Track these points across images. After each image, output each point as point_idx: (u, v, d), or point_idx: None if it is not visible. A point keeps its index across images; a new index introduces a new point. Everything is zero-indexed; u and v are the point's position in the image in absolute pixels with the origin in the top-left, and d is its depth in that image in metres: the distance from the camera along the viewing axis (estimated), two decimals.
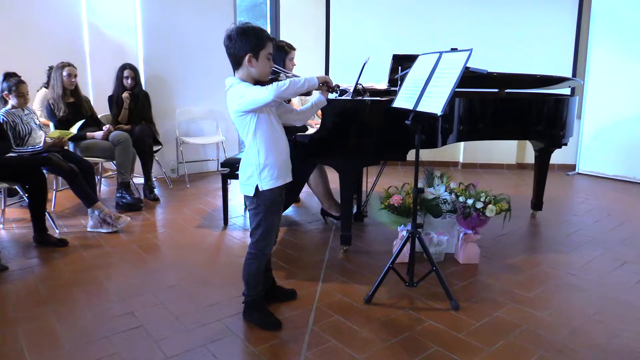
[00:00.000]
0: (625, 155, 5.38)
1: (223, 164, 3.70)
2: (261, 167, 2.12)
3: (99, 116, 4.49)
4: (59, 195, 4.30)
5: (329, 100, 2.39)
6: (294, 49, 3.59)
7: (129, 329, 2.23)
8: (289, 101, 2.58)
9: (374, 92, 3.35)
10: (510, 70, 3.60)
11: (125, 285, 2.71)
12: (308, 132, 3.17)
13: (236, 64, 2.09)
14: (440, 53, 2.44)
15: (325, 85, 2.25)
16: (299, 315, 2.36)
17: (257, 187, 2.13)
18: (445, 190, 3.02)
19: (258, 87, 2.04)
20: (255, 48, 2.04)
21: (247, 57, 2.04)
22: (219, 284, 2.70)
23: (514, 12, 5.70)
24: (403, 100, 2.54)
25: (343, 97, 2.80)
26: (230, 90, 2.09)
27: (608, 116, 5.51)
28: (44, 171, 3.45)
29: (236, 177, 3.45)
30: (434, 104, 2.24)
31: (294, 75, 2.21)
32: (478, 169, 6.09)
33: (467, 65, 2.24)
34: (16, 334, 2.18)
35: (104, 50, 5.28)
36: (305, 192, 4.29)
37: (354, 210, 3.61)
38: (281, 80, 2.38)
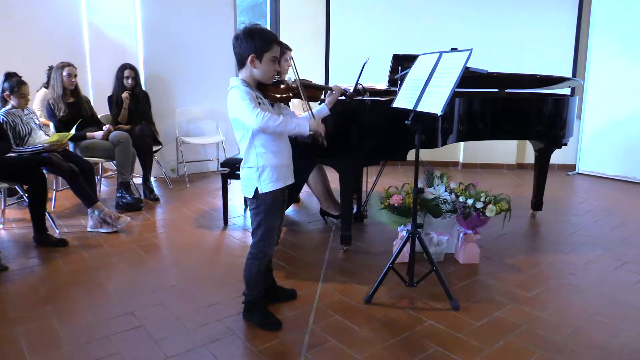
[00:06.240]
0: (625, 155, 5.38)
1: (223, 164, 3.70)
2: (260, 170, 2.12)
3: (99, 116, 4.49)
4: (59, 195, 4.30)
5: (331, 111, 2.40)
6: (290, 49, 3.58)
7: (129, 329, 2.23)
8: (287, 104, 2.57)
9: (374, 92, 3.35)
10: (510, 70, 3.60)
11: (125, 285, 2.71)
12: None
13: (240, 64, 2.10)
14: (440, 53, 2.44)
15: (317, 133, 2.16)
16: (299, 315, 2.36)
17: (256, 190, 2.13)
18: (445, 190, 3.02)
19: (250, 107, 1.98)
20: (259, 50, 2.04)
21: (250, 58, 2.05)
22: (219, 284, 2.70)
23: (514, 12, 5.70)
24: (403, 100, 2.54)
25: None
26: (230, 93, 2.08)
27: (608, 116, 5.51)
28: (44, 171, 3.45)
29: (236, 177, 3.46)
30: (434, 104, 2.25)
31: (306, 81, 2.15)
32: (478, 169, 6.09)
33: (467, 65, 2.24)
34: (16, 334, 2.18)
35: (104, 50, 5.28)
36: (305, 192, 4.29)
37: (354, 210, 3.61)
38: (287, 82, 2.38)
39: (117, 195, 4.13)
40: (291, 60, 2.32)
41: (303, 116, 2.33)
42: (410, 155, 2.79)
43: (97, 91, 5.35)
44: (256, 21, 2.10)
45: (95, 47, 5.39)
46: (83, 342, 2.12)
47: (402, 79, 2.73)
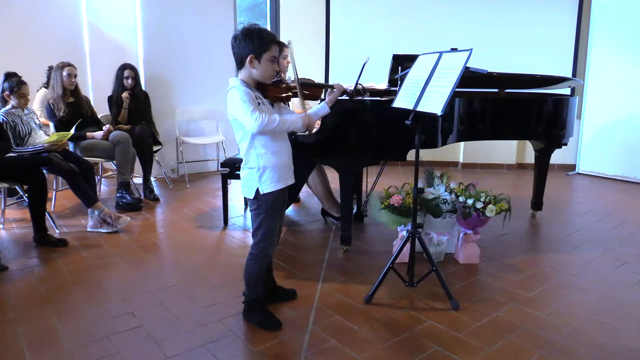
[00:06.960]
0: (625, 155, 5.38)
1: (223, 164, 3.70)
2: (261, 170, 2.12)
3: (99, 116, 4.49)
4: (59, 195, 4.30)
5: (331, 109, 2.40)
6: (286, 46, 3.58)
7: (129, 329, 2.23)
8: (287, 103, 2.57)
9: (374, 92, 3.35)
10: (510, 70, 3.60)
11: (125, 285, 2.71)
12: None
13: (239, 64, 2.10)
14: (440, 53, 2.44)
15: (310, 128, 2.24)
16: (299, 315, 2.36)
17: (257, 190, 2.13)
18: (445, 190, 3.02)
19: (249, 110, 1.98)
20: (258, 50, 2.04)
21: (248, 59, 2.05)
22: (219, 284, 2.70)
23: (514, 12, 5.71)
24: (403, 100, 2.54)
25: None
26: (229, 93, 2.08)
27: (608, 116, 5.51)
28: (44, 171, 3.45)
29: (236, 177, 3.46)
30: (434, 104, 2.24)
31: (303, 79, 2.14)
32: (478, 169, 6.09)
33: (467, 65, 2.24)
34: (16, 334, 2.18)
35: (104, 50, 5.28)
36: (305, 192, 4.29)
37: (354, 210, 3.61)
38: (287, 82, 2.38)
39: (117, 195, 4.13)
40: (290, 57, 2.32)
41: (297, 113, 2.34)
42: (410, 155, 2.78)
43: (97, 91, 5.35)
44: (256, 21, 2.10)
45: (95, 47, 5.39)
46: (83, 342, 2.12)
47: (402, 79, 2.73)
